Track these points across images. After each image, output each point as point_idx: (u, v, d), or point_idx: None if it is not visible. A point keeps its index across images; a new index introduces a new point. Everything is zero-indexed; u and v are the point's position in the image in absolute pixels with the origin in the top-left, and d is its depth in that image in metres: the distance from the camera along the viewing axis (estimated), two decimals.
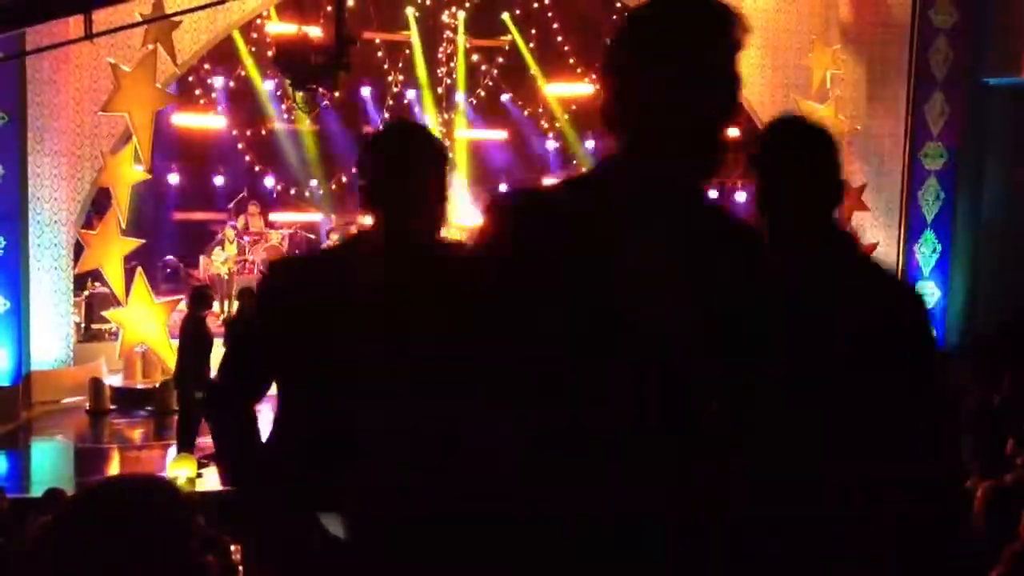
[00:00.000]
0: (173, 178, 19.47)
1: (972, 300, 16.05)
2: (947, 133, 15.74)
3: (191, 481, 9.75)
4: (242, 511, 2.59)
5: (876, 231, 15.73)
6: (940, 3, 15.50)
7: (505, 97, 21.97)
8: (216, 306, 16.27)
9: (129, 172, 12.83)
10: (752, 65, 16.25)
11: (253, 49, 18.47)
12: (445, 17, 20.28)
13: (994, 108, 15.67)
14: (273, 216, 20.48)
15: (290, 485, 2.44)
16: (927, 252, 15.86)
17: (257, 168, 20.47)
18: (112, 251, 12.96)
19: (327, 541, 2.21)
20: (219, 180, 20.52)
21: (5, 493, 7.69)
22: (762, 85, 16.28)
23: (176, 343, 12.34)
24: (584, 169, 2.05)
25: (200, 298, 10.96)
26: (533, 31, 20.51)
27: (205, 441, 10.95)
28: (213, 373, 11.36)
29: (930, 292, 15.95)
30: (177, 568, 1.76)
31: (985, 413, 10.21)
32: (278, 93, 20.11)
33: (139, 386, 13.25)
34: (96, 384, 12.87)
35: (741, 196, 19.61)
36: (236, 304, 11.37)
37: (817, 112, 15.04)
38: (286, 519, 2.35)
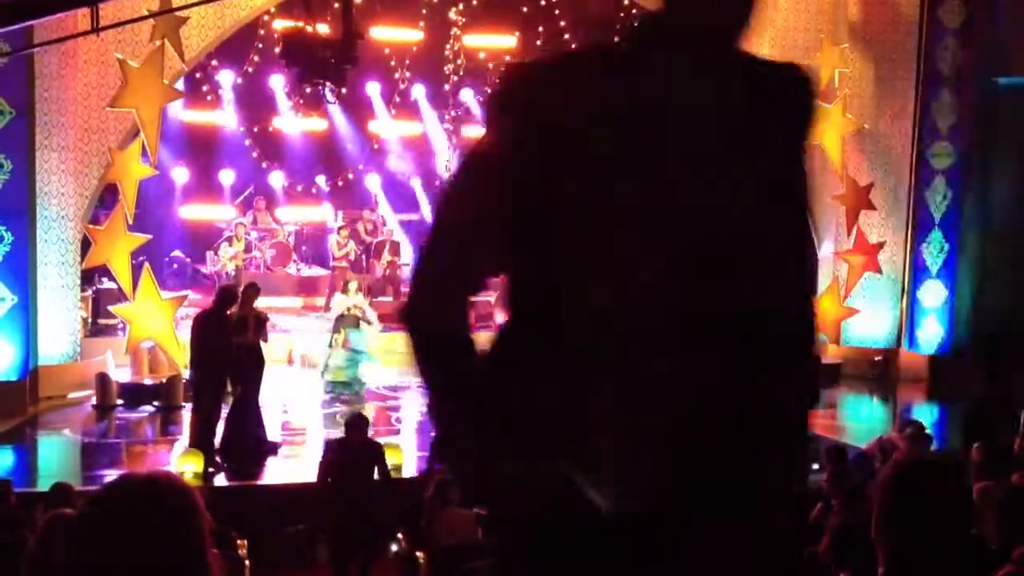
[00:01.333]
0: (180, 174, 19.49)
1: (979, 300, 16.02)
2: (955, 132, 15.69)
3: (198, 476, 9.76)
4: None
5: (883, 230, 15.70)
6: (949, 2, 15.45)
7: None
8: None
9: (136, 168, 12.85)
10: None
11: (261, 46, 18.47)
12: (452, 14, 20.26)
13: (1003, 107, 15.63)
14: (280, 212, 20.52)
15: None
16: (934, 252, 15.82)
17: (264, 164, 20.50)
18: (119, 247, 12.98)
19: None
20: (226, 176, 20.55)
21: (12, 486, 7.71)
22: None
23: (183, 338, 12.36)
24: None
25: (227, 296, 10.90)
26: (540, 28, 20.48)
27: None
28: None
29: (938, 293, 15.93)
30: (192, 564, 1.78)
31: (991, 412, 10.20)
32: (285, 90, 20.14)
33: (146, 381, 13.27)
34: (103, 379, 12.90)
35: None
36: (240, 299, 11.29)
37: (825, 110, 15.03)
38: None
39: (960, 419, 13.47)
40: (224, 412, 10.75)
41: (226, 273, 17.43)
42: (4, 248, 12.38)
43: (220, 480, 10.09)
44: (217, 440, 10.69)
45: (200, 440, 10.44)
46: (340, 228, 18.61)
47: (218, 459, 10.38)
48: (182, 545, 1.78)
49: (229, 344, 10.50)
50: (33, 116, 12.59)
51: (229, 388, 12.59)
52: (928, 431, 9.58)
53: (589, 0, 18.93)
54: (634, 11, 18.11)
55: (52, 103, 12.79)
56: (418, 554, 7.43)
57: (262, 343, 10.85)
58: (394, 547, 7.77)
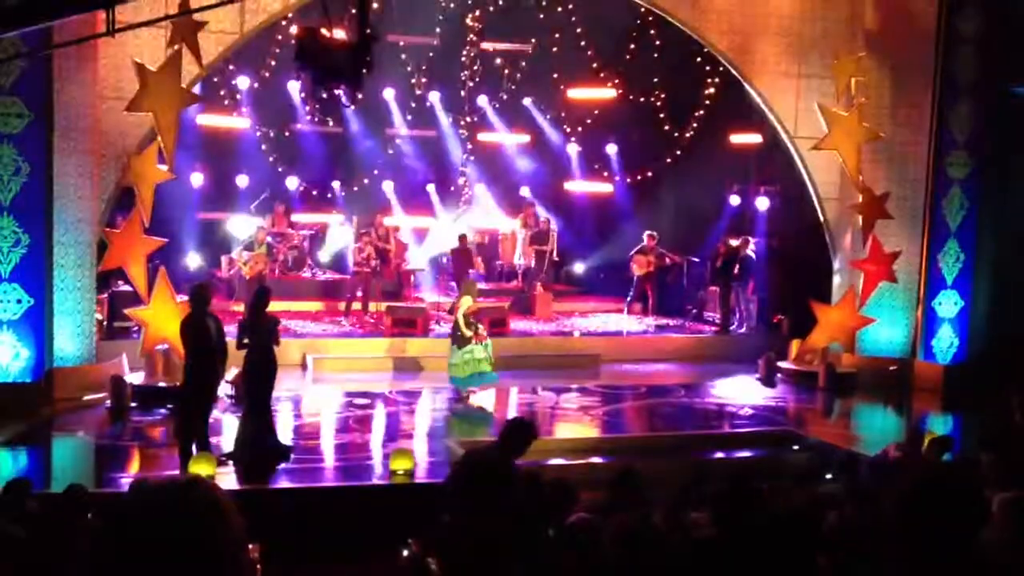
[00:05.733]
0: (196, 178, 19.57)
1: (995, 309, 15.92)
2: (972, 142, 15.63)
3: (210, 480, 9.77)
4: None
5: (899, 239, 15.63)
6: (966, 11, 15.40)
7: (528, 100, 21.98)
8: (238, 305, 16.35)
9: (153, 171, 12.92)
10: (778, 72, 16.22)
11: (278, 51, 18.54)
12: (469, 20, 20.30)
13: (1020, 117, 15.55)
14: (295, 217, 20.60)
15: None
16: (950, 262, 15.74)
17: (280, 169, 20.57)
18: (135, 250, 13.06)
19: None
20: (242, 181, 20.62)
21: (32, 486, 7.72)
22: (787, 91, 16.23)
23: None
24: None
25: (200, 295, 10.78)
26: (556, 35, 20.49)
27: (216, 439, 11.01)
28: (231, 374, 11.45)
29: (954, 302, 15.85)
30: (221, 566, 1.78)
31: (1005, 425, 10.13)
32: (302, 95, 20.21)
33: (160, 384, 13.31)
34: (117, 382, 12.95)
35: (763, 202, 19.53)
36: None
37: (841, 119, 14.98)
38: None
39: (975, 429, 13.40)
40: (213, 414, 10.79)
41: (241, 277, 17.49)
42: (21, 251, 12.45)
43: (231, 484, 10.10)
44: (229, 444, 10.74)
45: (183, 440, 10.50)
46: (361, 234, 18.67)
47: (223, 458, 10.40)
48: (209, 549, 1.77)
49: (206, 345, 10.45)
50: (51, 120, 12.66)
51: (231, 391, 12.68)
52: (936, 436, 9.54)
53: (603, 6, 18.83)
54: (650, 19, 18.11)
55: (71, 107, 12.86)
56: (430, 560, 7.42)
57: (274, 347, 10.85)
58: (405, 552, 7.75)
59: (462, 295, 13.84)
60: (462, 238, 19.63)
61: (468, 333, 13.41)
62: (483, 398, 14.07)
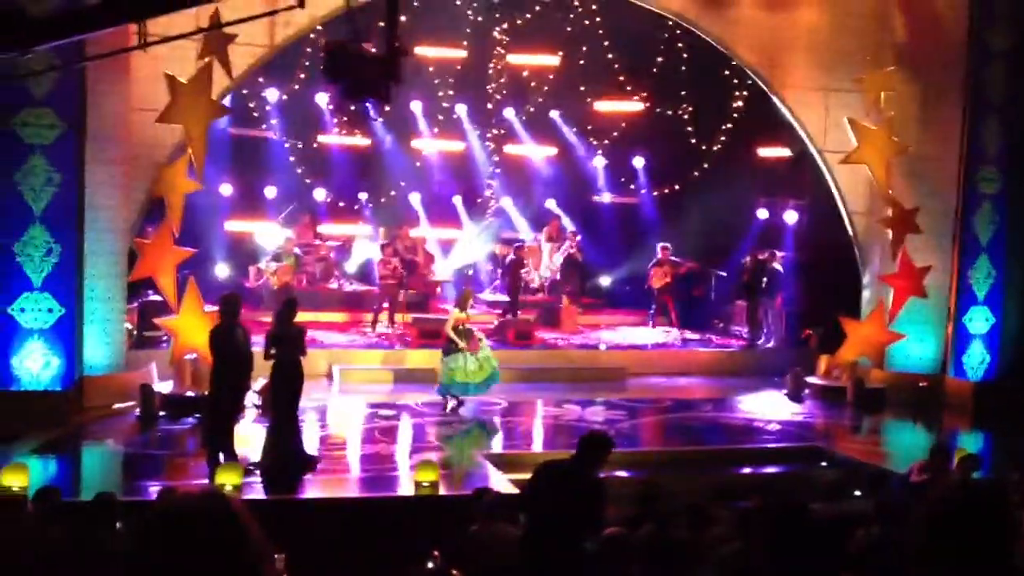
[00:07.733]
0: (226, 189, 19.71)
1: None
2: (1003, 156, 15.49)
3: (237, 489, 9.80)
4: None
5: (929, 254, 15.48)
6: (996, 26, 15.29)
7: (555, 113, 21.99)
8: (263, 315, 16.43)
9: (183, 182, 13.03)
10: (806, 86, 16.16)
11: (307, 64, 18.66)
12: (496, 33, 20.35)
13: None
14: (322, 228, 20.71)
15: None
16: (981, 278, 15.59)
17: (308, 180, 20.69)
18: (165, 260, 13.16)
19: None
20: (270, 192, 20.76)
21: (61, 494, 7.78)
22: (816, 104, 16.17)
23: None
24: None
25: (230, 305, 10.87)
26: (584, 47, 20.50)
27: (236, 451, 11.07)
28: (258, 384, 11.49)
29: (985, 318, 15.69)
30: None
31: None
32: (330, 107, 20.32)
33: (188, 393, 13.39)
34: (146, 390, 13.04)
35: (791, 215, 19.44)
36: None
37: (870, 132, 14.90)
38: None
39: (1006, 447, 13.24)
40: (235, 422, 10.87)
41: (269, 287, 17.60)
42: (53, 260, 12.57)
43: (258, 494, 10.14)
44: (256, 454, 10.79)
45: (211, 449, 10.55)
46: (384, 246, 18.72)
47: (250, 467, 10.45)
48: (230, 561, 1.79)
49: (235, 354, 10.50)
50: (84, 130, 12.79)
51: (258, 401, 12.74)
52: (966, 454, 9.44)
53: (629, 20, 18.84)
54: (678, 32, 18.09)
55: (103, 118, 12.99)
56: (453, 572, 7.42)
57: (301, 357, 10.90)
58: (429, 564, 7.75)
59: (454, 306, 13.95)
60: (519, 249, 19.55)
61: (461, 343, 13.53)
62: (497, 410, 14.08)
